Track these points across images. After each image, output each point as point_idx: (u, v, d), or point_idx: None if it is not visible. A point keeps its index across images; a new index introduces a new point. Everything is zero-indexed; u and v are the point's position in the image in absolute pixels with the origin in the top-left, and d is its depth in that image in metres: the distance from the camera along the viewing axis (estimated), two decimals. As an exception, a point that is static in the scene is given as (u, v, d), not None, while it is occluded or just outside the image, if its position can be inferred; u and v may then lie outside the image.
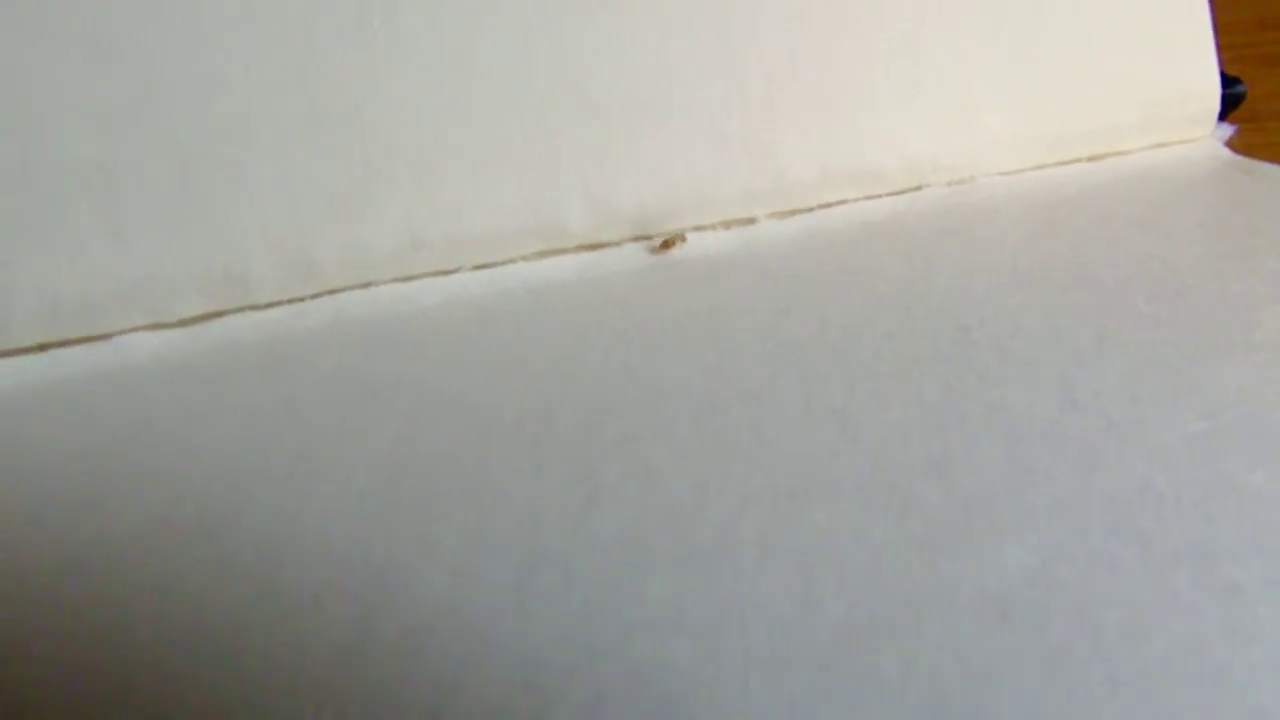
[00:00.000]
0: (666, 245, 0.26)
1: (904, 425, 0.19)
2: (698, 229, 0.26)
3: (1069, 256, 0.24)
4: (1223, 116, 0.30)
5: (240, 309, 0.23)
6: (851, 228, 0.26)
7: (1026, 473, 0.18)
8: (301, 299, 0.24)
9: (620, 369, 0.21)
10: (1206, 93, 0.29)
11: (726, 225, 0.26)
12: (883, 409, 0.20)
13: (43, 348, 0.22)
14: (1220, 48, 0.45)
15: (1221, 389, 0.20)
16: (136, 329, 0.23)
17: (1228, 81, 0.30)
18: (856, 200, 0.27)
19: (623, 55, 0.25)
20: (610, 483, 0.18)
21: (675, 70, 0.25)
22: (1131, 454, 0.19)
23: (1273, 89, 0.42)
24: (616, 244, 0.26)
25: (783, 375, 0.21)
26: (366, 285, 0.24)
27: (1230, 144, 0.31)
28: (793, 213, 0.27)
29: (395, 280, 0.24)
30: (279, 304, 0.23)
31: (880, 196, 0.27)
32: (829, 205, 0.27)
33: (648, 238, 0.26)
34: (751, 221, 0.26)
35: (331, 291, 0.24)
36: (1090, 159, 0.29)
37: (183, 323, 0.23)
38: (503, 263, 0.25)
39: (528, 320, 0.23)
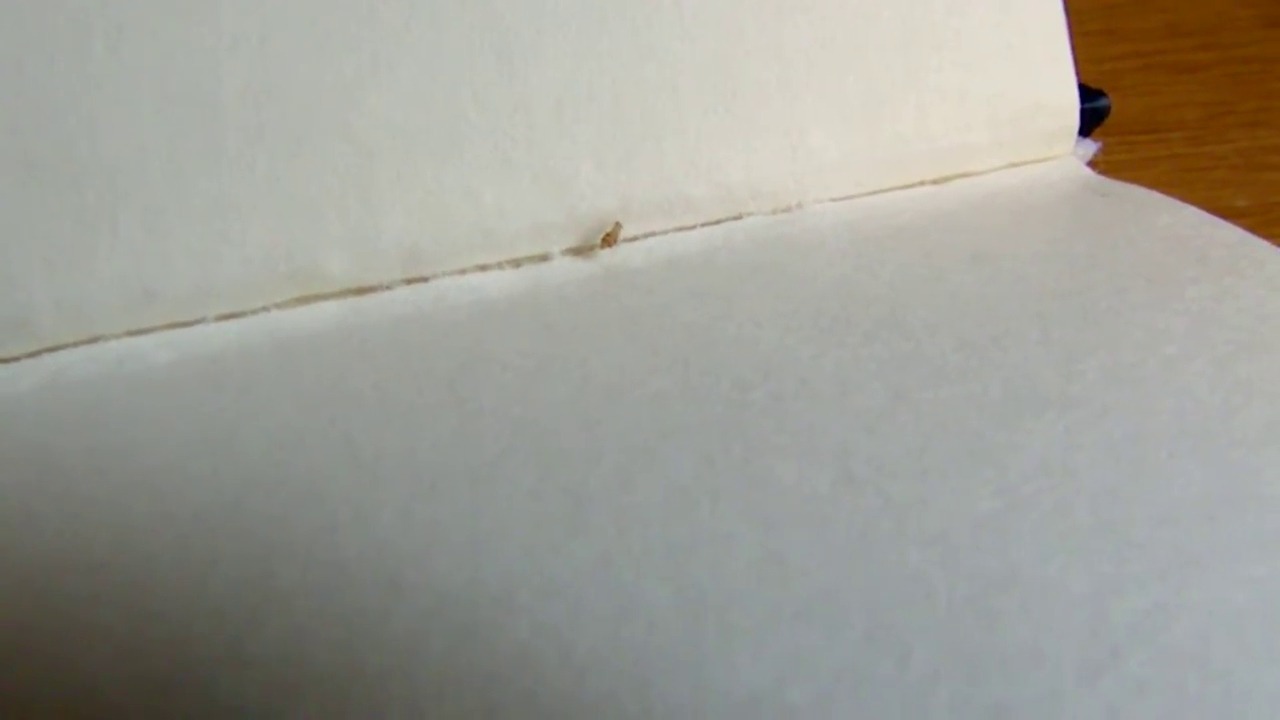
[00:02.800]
0: (607, 241, 0.24)
1: (644, 510, 0.17)
2: (482, 269, 0.23)
3: (884, 297, 0.22)
4: (1086, 132, 0.28)
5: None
6: (655, 265, 0.24)
7: (777, 567, 0.16)
8: (15, 359, 0.21)
9: (340, 441, 0.18)
10: (1063, 108, 0.27)
11: (516, 263, 0.24)
12: (625, 489, 0.17)
13: None
14: (1127, 55, 0.42)
15: (1023, 457, 0.17)
16: None
17: (1089, 95, 0.27)
18: (665, 232, 0.24)
19: (389, 80, 0.22)
20: (288, 585, 0.15)
21: (449, 95, 0.23)
22: (906, 540, 0.16)
23: (1179, 98, 0.40)
24: (388, 287, 0.23)
25: (518, 450, 0.18)
26: (93, 341, 0.21)
27: (1095, 163, 0.28)
28: (591, 248, 0.24)
29: (127, 334, 0.22)
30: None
31: (694, 227, 0.25)
32: (633, 239, 0.24)
33: (423, 279, 0.23)
34: (544, 258, 0.24)
35: (52, 349, 0.21)
36: (935, 181, 0.26)
37: None
38: (253, 312, 0.22)
39: (260, 380, 0.20)
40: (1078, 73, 0.28)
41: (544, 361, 0.20)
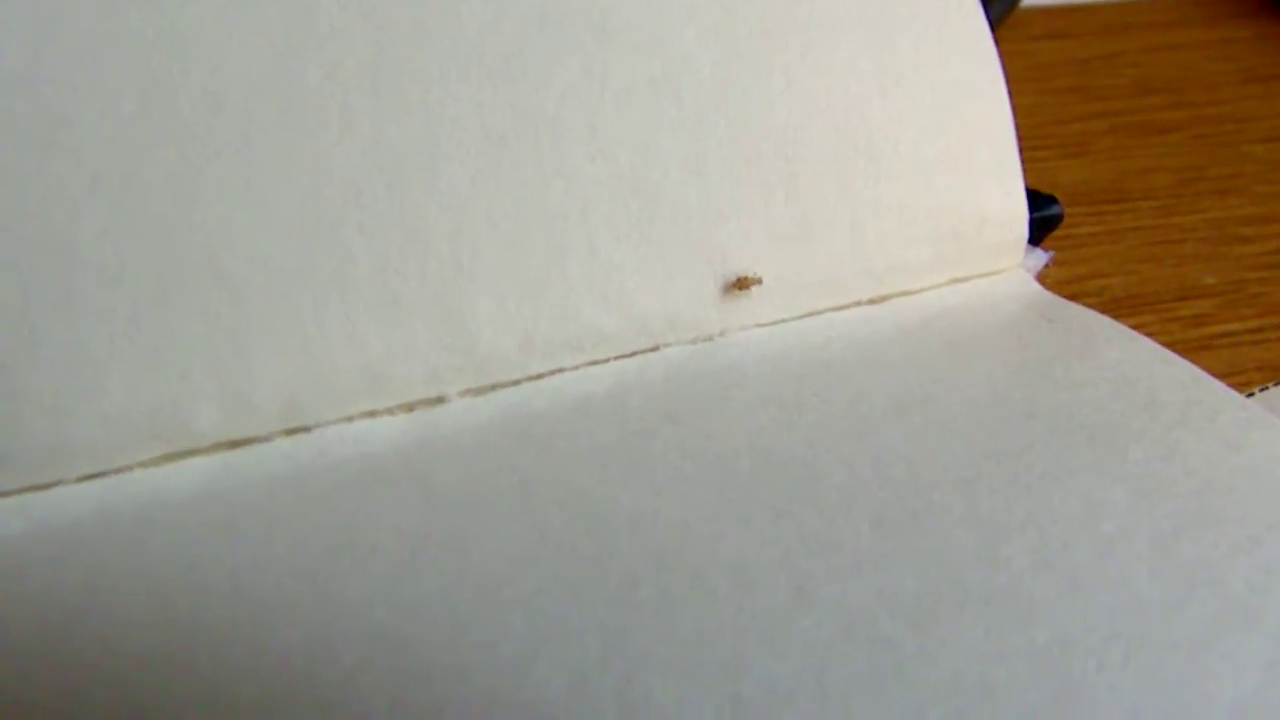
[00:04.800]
0: (742, 285, 0.22)
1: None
2: (370, 414, 0.22)
3: (800, 458, 0.20)
4: (1036, 241, 0.26)
5: None
6: (560, 409, 0.22)
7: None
8: None
9: (178, 653, 0.16)
10: (1011, 219, 0.25)
11: (409, 407, 0.22)
12: (484, 716, 0.15)
13: None
14: (1096, 115, 0.40)
15: (934, 672, 0.15)
16: None
17: (1039, 202, 0.26)
18: (576, 368, 0.23)
19: (264, 216, 0.20)
20: None
21: (332, 229, 0.21)
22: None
23: (1149, 162, 0.38)
24: (265, 439, 0.21)
25: (375, 665, 0.16)
26: (-63, 509, 0.20)
27: (1042, 276, 0.26)
28: (493, 388, 0.22)
29: (-24, 500, 0.20)
30: None
31: (607, 361, 0.23)
32: (538, 376, 0.22)
33: (305, 429, 0.21)
34: (439, 401, 0.22)
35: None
36: (872, 301, 0.24)
37: None
38: (115, 471, 0.20)
39: (110, 561, 0.18)
40: (1027, 176, 0.26)
41: (419, 545, 0.18)
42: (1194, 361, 0.31)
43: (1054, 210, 0.25)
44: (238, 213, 0.20)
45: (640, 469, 0.20)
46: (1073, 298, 0.33)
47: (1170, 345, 0.31)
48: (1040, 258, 0.25)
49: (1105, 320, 0.23)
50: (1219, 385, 0.21)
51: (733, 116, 0.23)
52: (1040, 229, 0.25)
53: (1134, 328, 0.32)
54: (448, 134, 0.21)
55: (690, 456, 0.20)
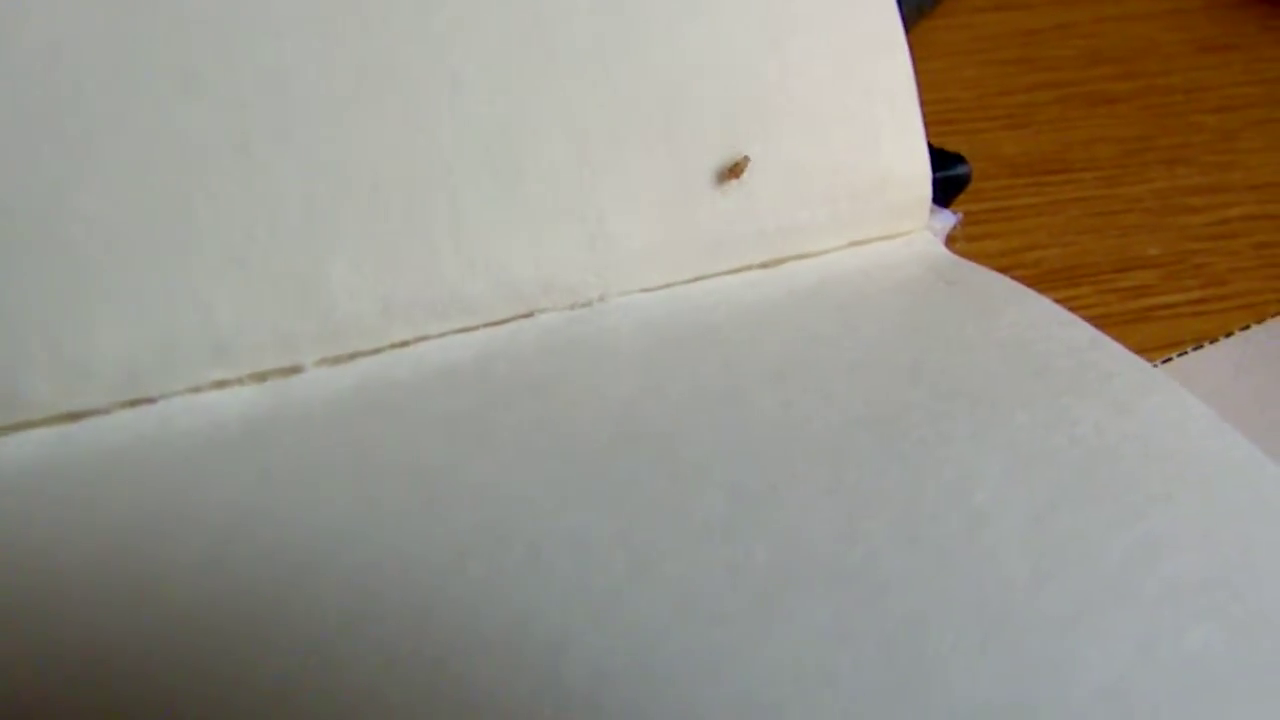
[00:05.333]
0: (735, 172, 0.21)
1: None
2: (219, 385, 0.20)
3: (664, 429, 0.19)
4: (945, 201, 0.24)
5: None
6: (421, 378, 0.20)
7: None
8: None
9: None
10: (913, 179, 0.24)
11: (261, 377, 0.21)
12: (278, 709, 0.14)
13: None
14: (1043, 85, 0.39)
15: (772, 656, 0.14)
16: None
17: (945, 161, 0.24)
18: (442, 335, 0.21)
19: (102, 176, 0.19)
20: None
21: (174, 191, 0.20)
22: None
23: (1095, 133, 0.37)
24: (105, 411, 0.20)
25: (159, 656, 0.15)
26: None
27: (953, 237, 0.25)
28: (352, 356, 0.21)
29: None
30: None
31: (476, 329, 0.21)
32: (403, 344, 0.21)
33: (149, 400, 0.20)
34: (294, 370, 0.21)
35: None
36: (764, 265, 0.23)
37: None
38: (-55, 444, 0.19)
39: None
40: (929, 131, 0.25)
41: (242, 519, 0.17)
42: (1131, 333, 0.30)
43: (960, 170, 0.24)
44: (73, 174, 0.19)
45: (491, 440, 0.18)
46: (1006, 270, 0.32)
47: (1106, 317, 0.30)
48: (947, 219, 0.24)
49: (1007, 282, 0.22)
50: (1117, 348, 0.20)
51: (610, 67, 0.22)
52: (947, 189, 0.24)
53: (1067, 300, 0.30)
54: (298, 89, 0.20)
55: (546, 427, 0.19)
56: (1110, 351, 0.19)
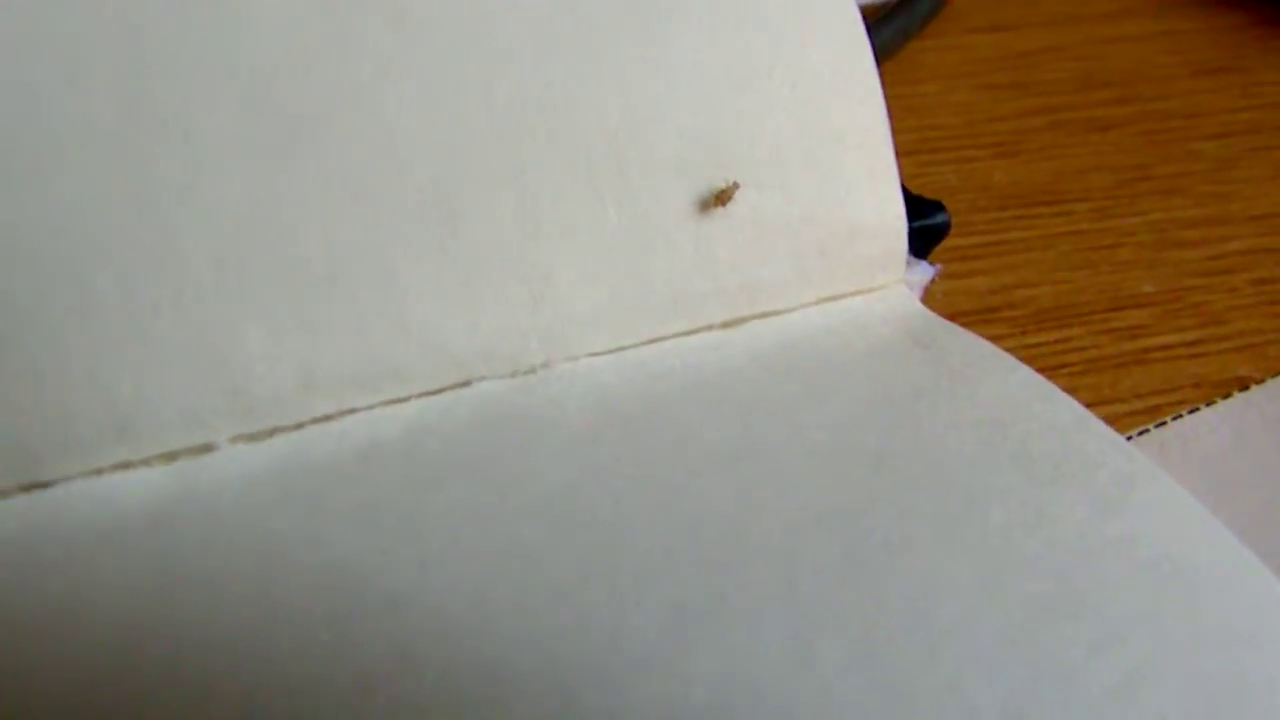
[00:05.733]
0: (721, 199, 0.20)
1: None
2: (122, 467, 0.19)
3: (601, 519, 0.17)
4: (922, 253, 0.23)
5: None
6: (343, 456, 0.19)
7: None
8: None
9: None
10: (886, 230, 0.22)
11: (170, 457, 0.19)
12: None
13: None
14: (1035, 111, 0.37)
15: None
16: None
17: (923, 209, 0.22)
18: (371, 408, 0.19)
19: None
20: None
21: (70, 257, 0.18)
22: None
23: (1088, 162, 0.35)
24: (3, 494, 0.18)
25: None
26: None
27: (929, 291, 0.23)
28: (271, 433, 0.19)
29: None
30: None
31: (408, 399, 0.20)
32: (326, 418, 0.19)
33: (43, 485, 0.18)
34: (207, 449, 0.19)
35: None
36: (725, 325, 0.21)
37: None
38: None
39: None
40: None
41: (125, 630, 0.15)
42: (1124, 377, 0.28)
43: (939, 219, 0.22)
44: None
45: (413, 533, 0.17)
46: (995, 310, 0.30)
47: (1099, 360, 0.29)
48: (925, 272, 0.22)
49: (985, 346, 0.20)
50: (1103, 429, 0.18)
51: (557, 114, 0.20)
52: (924, 239, 0.22)
53: (1062, 341, 0.29)
54: (210, 144, 0.18)
55: (474, 519, 0.17)
56: (1096, 434, 0.18)
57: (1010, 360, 0.20)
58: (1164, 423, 0.24)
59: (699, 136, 0.21)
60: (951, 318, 0.27)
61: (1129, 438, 0.24)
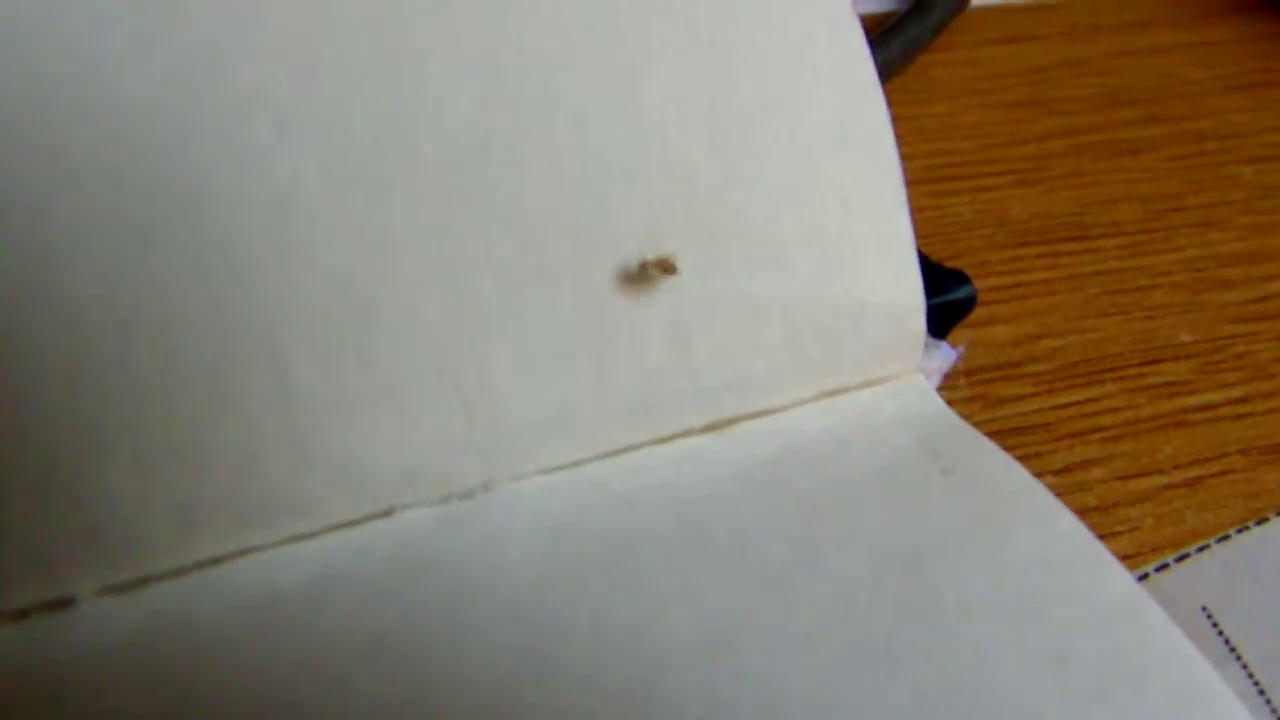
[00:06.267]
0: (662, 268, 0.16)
1: None
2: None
3: (540, 710, 0.13)
4: (942, 332, 0.19)
5: None
6: (228, 616, 0.15)
7: None
8: None
9: None
10: (901, 310, 0.18)
11: (20, 615, 0.15)
12: None
13: None
14: (1056, 133, 0.34)
15: None
16: None
17: (943, 281, 0.19)
18: (266, 548, 0.16)
19: None
20: None
21: None
22: None
23: (1115, 191, 0.31)
24: None
25: None
26: None
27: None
28: (142, 582, 0.15)
29: None
30: None
31: (315, 535, 0.16)
32: (212, 563, 0.15)
33: None
34: (64, 605, 0.15)
35: None
36: (708, 429, 0.17)
37: None
38: None
39: None
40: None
41: None
42: (1164, 442, 0.25)
43: (963, 293, 0.18)
44: None
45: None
46: (1018, 365, 0.27)
47: (1136, 423, 0.25)
48: (946, 357, 0.18)
49: (1019, 476, 0.16)
50: (1154, 615, 0.14)
51: (498, 181, 0.16)
52: (944, 317, 0.19)
53: (1093, 401, 0.26)
54: (61, 220, 0.14)
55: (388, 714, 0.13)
56: (1145, 624, 0.14)
57: (1046, 499, 0.16)
58: (1226, 537, 0.20)
59: (674, 202, 0.17)
60: (969, 374, 0.24)
61: (1186, 556, 0.21)
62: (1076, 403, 0.26)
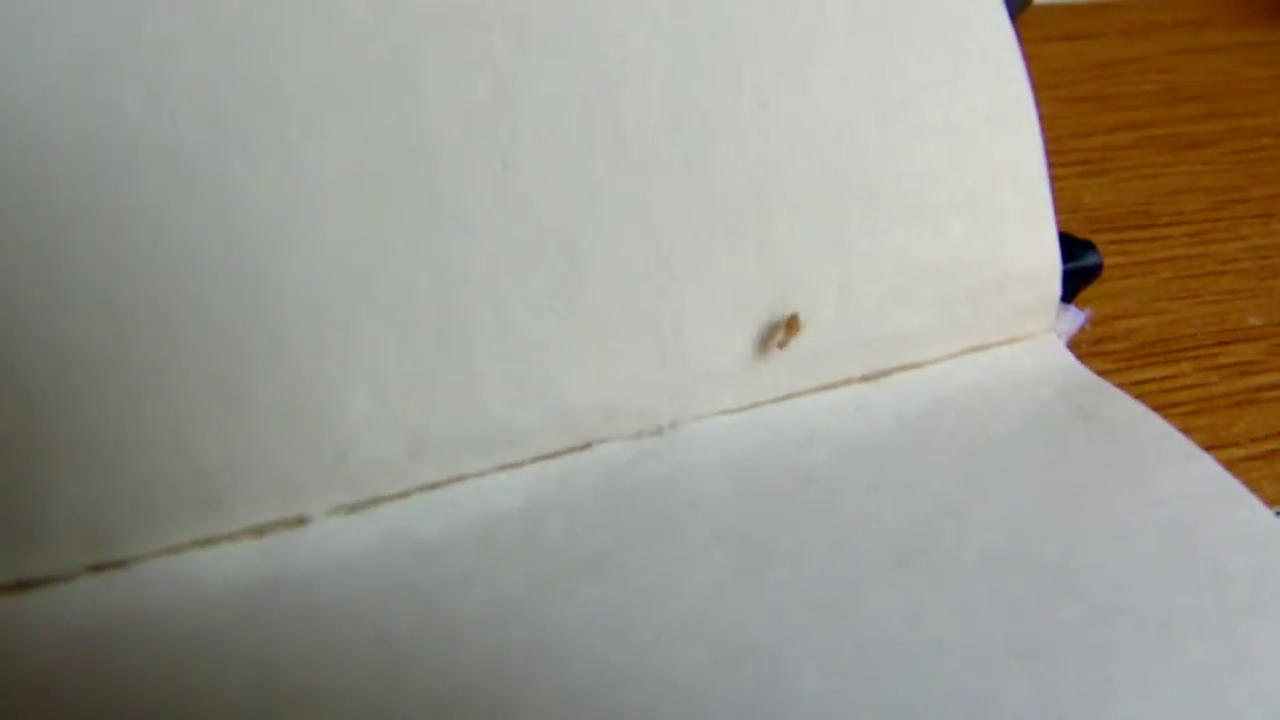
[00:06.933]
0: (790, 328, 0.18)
1: None
2: (203, 544, 0.16)
3: (763, 647, 0.14)
4: (1069, 298, 0.20)
5: None
6: (453, 535, 0.16)
7: None
8: None
9: None
10: (1040, 276, 0.20)
11: (257, 532, 0.16)
12: None
13: None
14: (1121, 126, 0.35)
15: None
16: None
17: (1074, 250, 0.20)
18: (481, 474, 0.17)
19: (62, 302, 0.15)
20: None
21: (146, 311, 0.15)
22: None
23: (1181, 182, 0.33)
24: (67, 578, 0.16)
25: None
26: None
27: (1076, 340, 0.21)
28: (372, 503, 0.17)
29: None
30: None
31: (522, 464, 0.17)
32: (432, 486, 0.17)
33: (115, 564, 0.16)
34: (300, 522, 0.16)
35: None
36: (866, 378, 0.19)
37: None
38: None
39: None
40: (1058, 217, 0.21)
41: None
42: (1238, 418, 0.26)
43: (1091, 260, 0.20)
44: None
45: (547, 664, 0.14)
46: (1098, 343, 0.28)
47: (1210, 399, 0.27)
48: (1075, 319, 0.20)
49: (1155, 422, 0.18)
50: None
51: (689, 147, 0.18)
52: (1074, 283, 0.20)
53: (1170, 378, 0.27)
54: (307, 175, 0.16)
55: (616, 634, 0.15)
56: None
57: (1183, 442, 0.18)
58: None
59: (843, 169, 0.19)
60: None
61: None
62: (1154, 379, 0.27)
